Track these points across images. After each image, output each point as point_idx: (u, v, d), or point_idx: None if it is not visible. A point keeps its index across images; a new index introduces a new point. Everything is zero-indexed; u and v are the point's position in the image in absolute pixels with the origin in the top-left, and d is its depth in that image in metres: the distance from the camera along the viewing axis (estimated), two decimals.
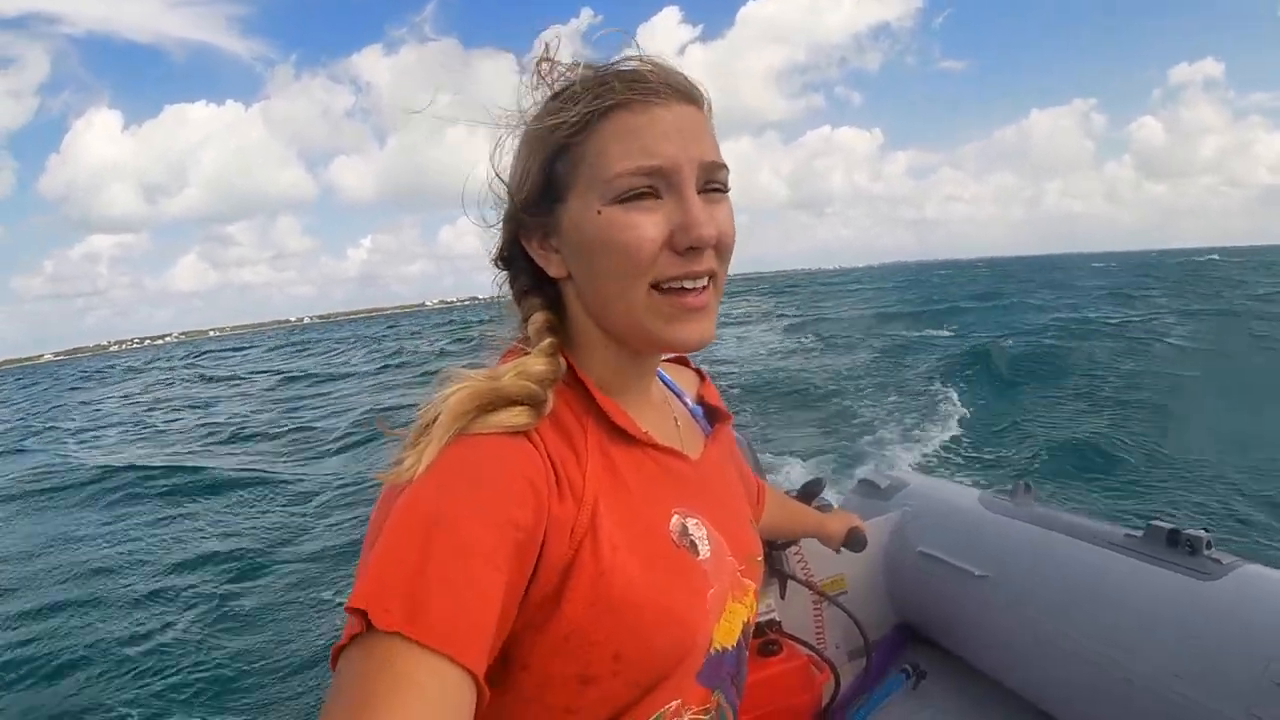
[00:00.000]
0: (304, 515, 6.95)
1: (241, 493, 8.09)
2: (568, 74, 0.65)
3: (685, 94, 0.62)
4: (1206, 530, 1.45)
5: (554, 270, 0.67)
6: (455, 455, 0.55)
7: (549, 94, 0.65)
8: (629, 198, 0.60)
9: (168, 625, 4.71)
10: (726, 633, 0.69)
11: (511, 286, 0.72)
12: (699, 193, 0.61)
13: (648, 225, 0.60)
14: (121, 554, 6.27)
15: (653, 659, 0.60)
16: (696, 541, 0.67)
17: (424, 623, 0.46)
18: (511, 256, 0.71)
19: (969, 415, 7.98)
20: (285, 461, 9.57)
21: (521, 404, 0.59)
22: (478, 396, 0.57)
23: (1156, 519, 1.53)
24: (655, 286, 0.61)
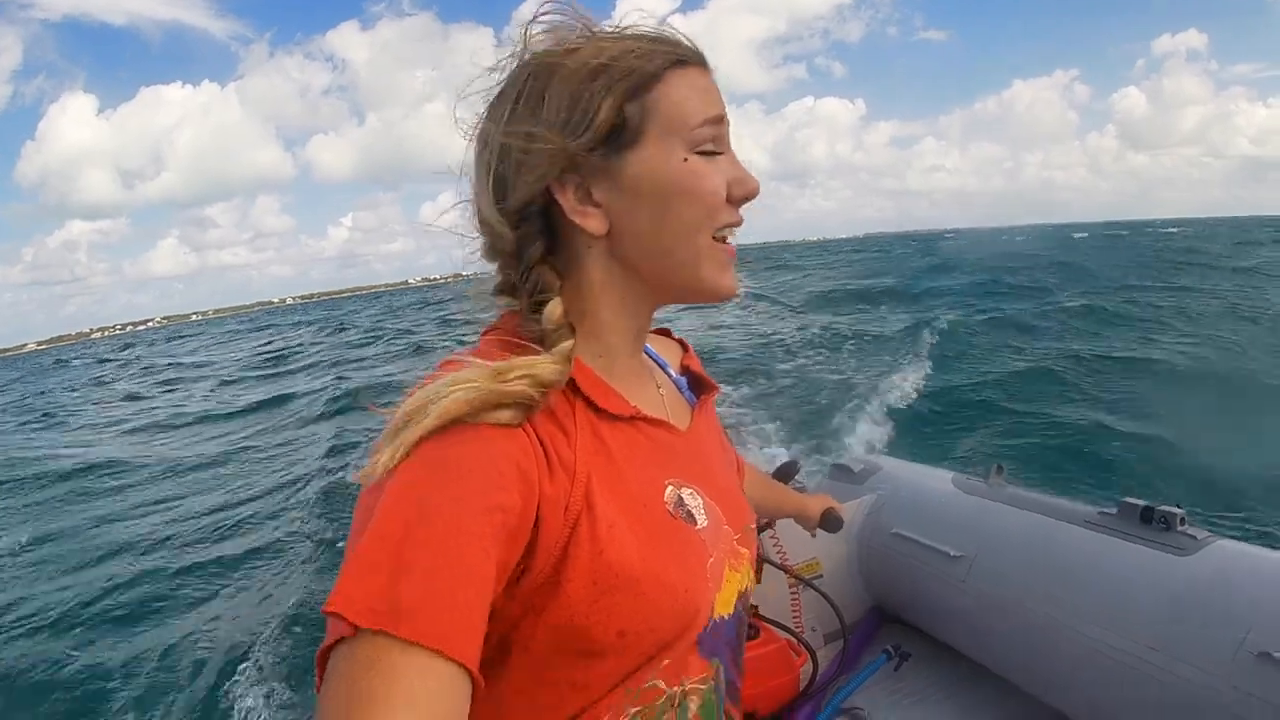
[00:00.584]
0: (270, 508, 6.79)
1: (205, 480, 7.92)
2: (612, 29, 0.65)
3: (708, 66, 0.66)
4: (1179, 506, 1.46)
5: (594, 225, 0.62)
6: (436, 445, 0.52)
7: (596, 39, 0.62)
8: (705, 150, 0.62)
9: (109, 633, 4.57)
10: (724, 602, 0.68)
11: (518, 254, 0.64)
12: None
13: (718, 176, 0.63)
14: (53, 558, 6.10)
15: (657, 631, 0.59)
16: (693, 511, 0.66)
17: (411, 619, 0.44)
18: (526, 217, 0.63)
19: (926, 397, 8.02)
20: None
21: (515, 406, 0.55)
22: (473, 404, 0.53)
23: (1129, 497, 1.53)
24: (713, 236, 0.64)
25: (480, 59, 0.65)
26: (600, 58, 0.60)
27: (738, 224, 0.66)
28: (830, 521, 1.40)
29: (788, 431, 6.93)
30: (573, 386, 0.62)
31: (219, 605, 4.81)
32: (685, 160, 0.61)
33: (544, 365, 0.58)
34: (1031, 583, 1.55)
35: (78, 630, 4.68)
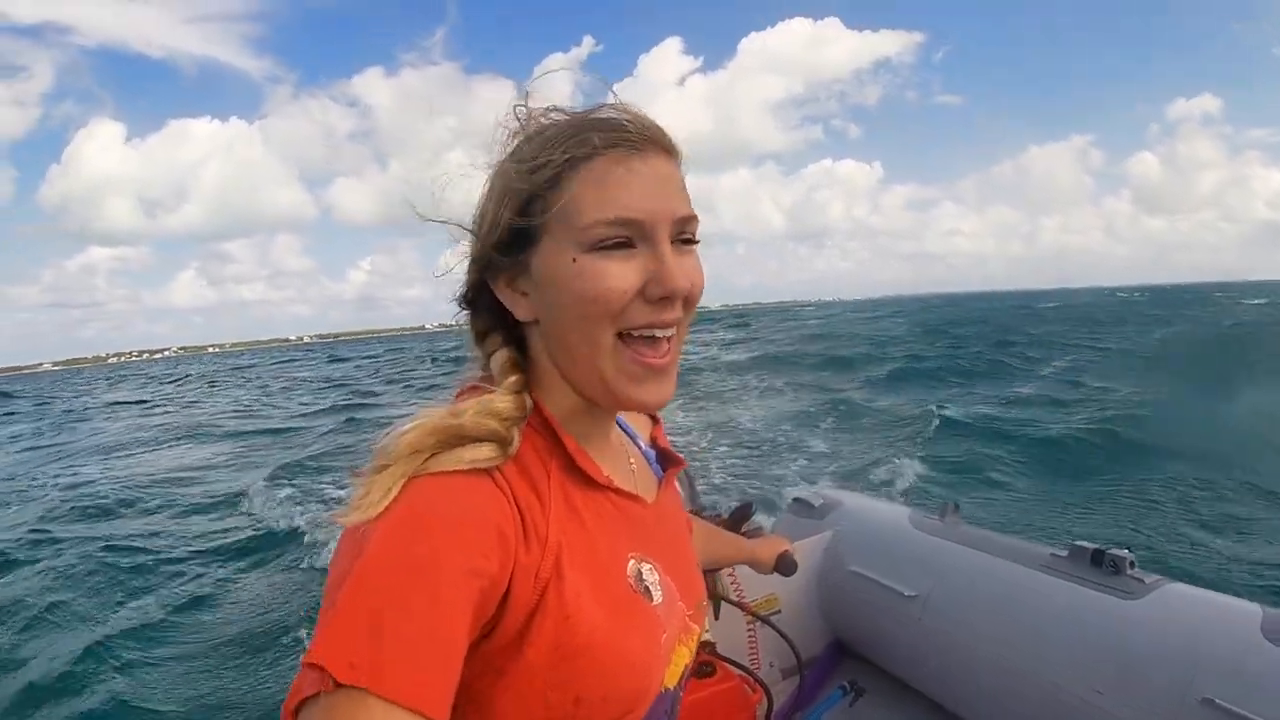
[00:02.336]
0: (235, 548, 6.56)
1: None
2: (543, 119, 0.65)
3: (661, 146, 0.62)
4: (1129, 550, 1.49)
5: (521, 313, 0.65)
6: (419, 496, 0.53)
7: (523, 137, 0.65)
8: (604, 246, 0.59)
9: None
10: (671, 675, 0.69)
11: (472, 326, 0.70)
12: (671, 244, 0.61)
13: (622, 274, 0.59)
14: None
15: (610, 703, 0.60)
16: (650, 587, 0.66)
17: (391, 677, 0.45)
18: (476, 296, 0.69)
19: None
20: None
21: (486, 442, 0.58)
22: (435, 433, 0.55)
23: (1080, 540, 1.56)
24: (621, 335, 0.61)
25: (499, 113, 0.66)
26: (521, 159, 0.62)
27: (662, 323, 0.61)
28: (785, 566, 1.40)
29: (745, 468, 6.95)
30: (548, 448, 0.64)
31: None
32: (574, 261, 0.60)
33: (495, 397, 0.62)
34: (983, 622, 1.57)
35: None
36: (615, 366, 0.62)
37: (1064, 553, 1.57)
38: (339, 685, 0.44)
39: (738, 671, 1.55)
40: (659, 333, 0.62)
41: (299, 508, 7.68)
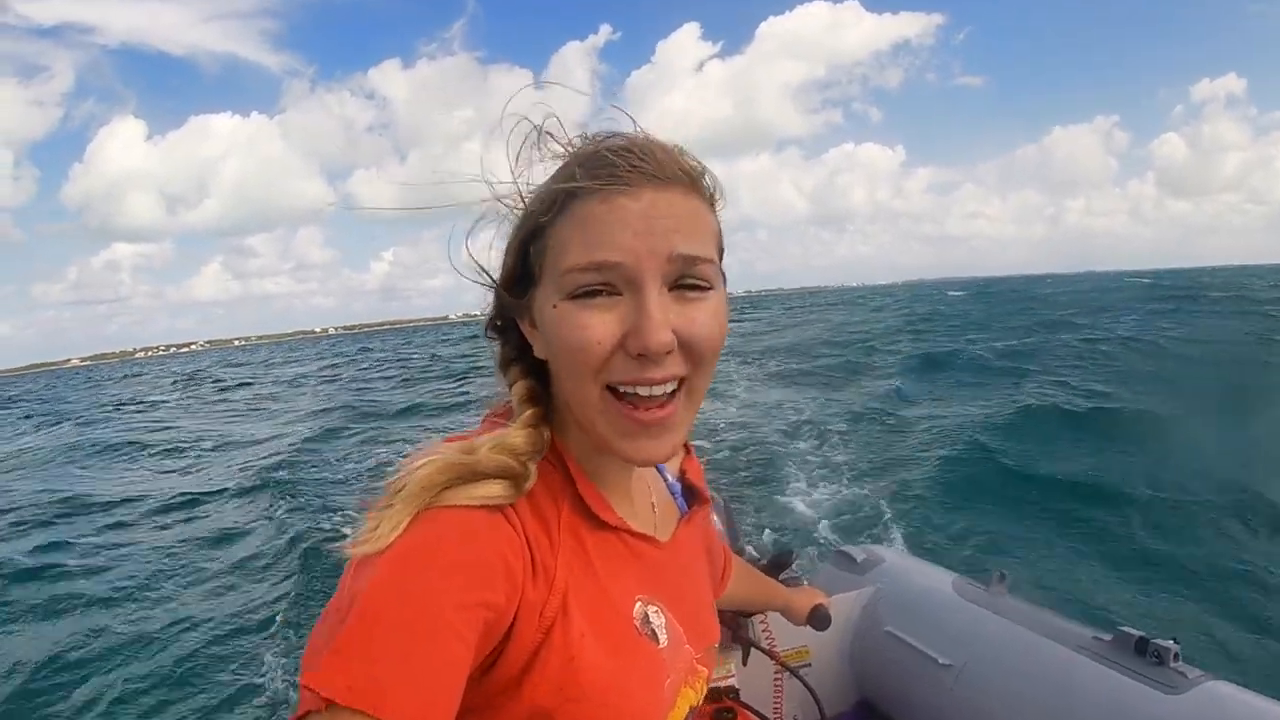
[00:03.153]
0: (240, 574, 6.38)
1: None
2: (558, 146, 0.63)
3: (664, 179, 0.57)
4: (1175, 641, 1.44)
5: (538, 350, 0.64)
6: (428, 529, 0.53)
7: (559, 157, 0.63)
8: (581, 294, 0.56)
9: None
10: (674, 718, 0.68)
11: (500, 352, 0.70)
12: (671, 288, 0.57)
13: (597, 326, 0.55)
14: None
15: None
16: (656, 630, 0.66)
17: (391, 701, 0.45)
18: (505, 325, 0.69)
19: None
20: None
21: (499, 478, 0.57)
22: (448, 470, 0.55)
23: (1125, 625, 1.51)
24: (611, 389, 0.58)
25: (518, 99, 0.64)
26: (533, 198, 0.62)
27: (646, 381, 0.57)
28: (818, 619, 1.39)
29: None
30: (560, 485, 0.64)
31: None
32: (554, 308, 0.57)
33: (511, 433, 0.61)
34: (1017, 701, 1.53)
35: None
36: (604, 420, 0.59)
37: (1108, 637, 1.52)
38: (339, 707, 0.44)
39: None
40: (642, 390, 0.57)
41: None
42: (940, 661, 1.72)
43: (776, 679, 1.83)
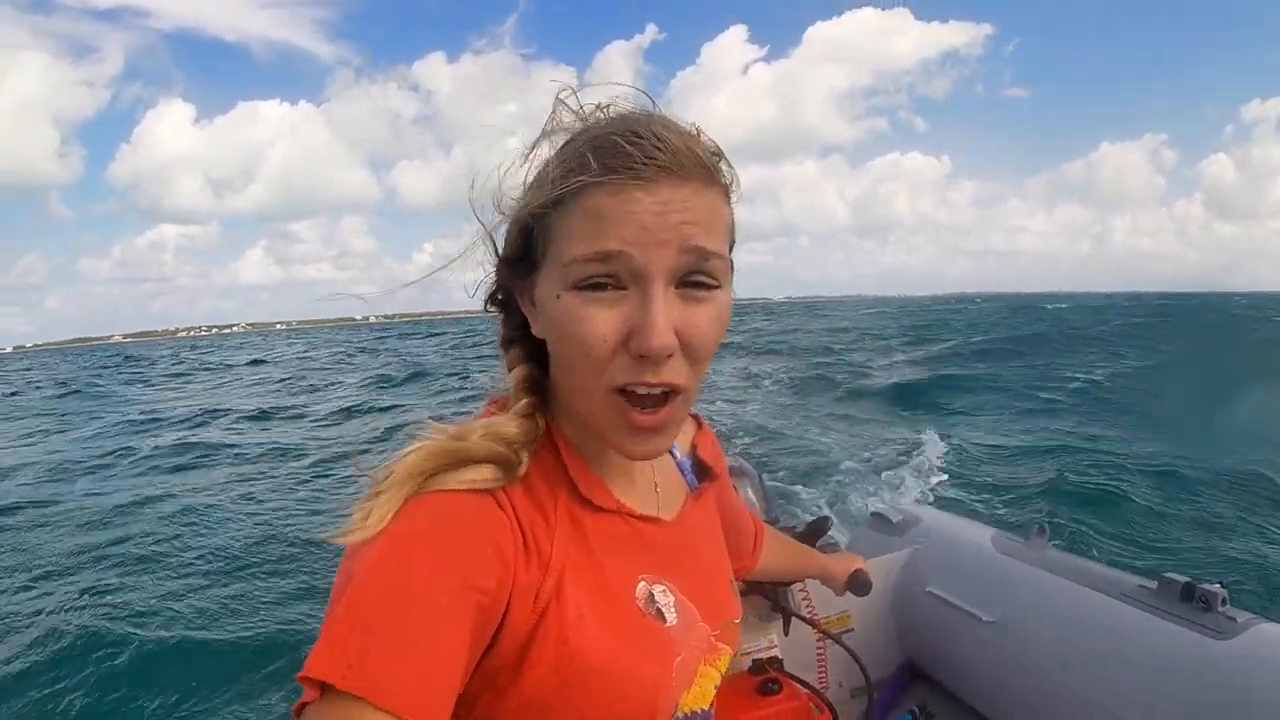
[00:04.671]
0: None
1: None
2: (576, 123, 0.60)
3: (681, 172, 0.54)
4: (1222, 585, 1.41)
5: (537, 330, 0.63)
6: (418, 513, 0.53)
7: (552, 150, 0.61)
8: (586, 286, 0.55)
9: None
10: (698, 697, 0.68)
11: (501, 329, 0.70)
12: (678, 286, 0.56)
13: (601, 321, 0.54)
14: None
15: None
16: (663, 609, 0.66)
17: (385, 685, 0.45)
18: (507, 301, 0.68)
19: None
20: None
21: (489, 463, 0.57)
22: (438, 457, 0.55)
23: (1170, 572, 1.49)
24: (616, 390, 0.57)
25: (548, 107, 0.62)
26: (527, 186, 0.60)
27: (645, 384, 0.56)
28: (857, 585, 1.38)
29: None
30: (556, 468, 0.64)
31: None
32: (558, 297, 0.56)
33: (503, 421, 0.61)
34: (1062, 654, 1.52)
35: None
36: (604, 415, 0.59)
37: (1153, 584, 1.50)
38: (334, 693, 0.45)
39: (804, 690, 1.55)
40: (640, 390, 0.56)
41: None
42: (983, 618, 1.71)
43: (820, 647, 1.84)
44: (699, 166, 0.56)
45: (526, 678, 0.56)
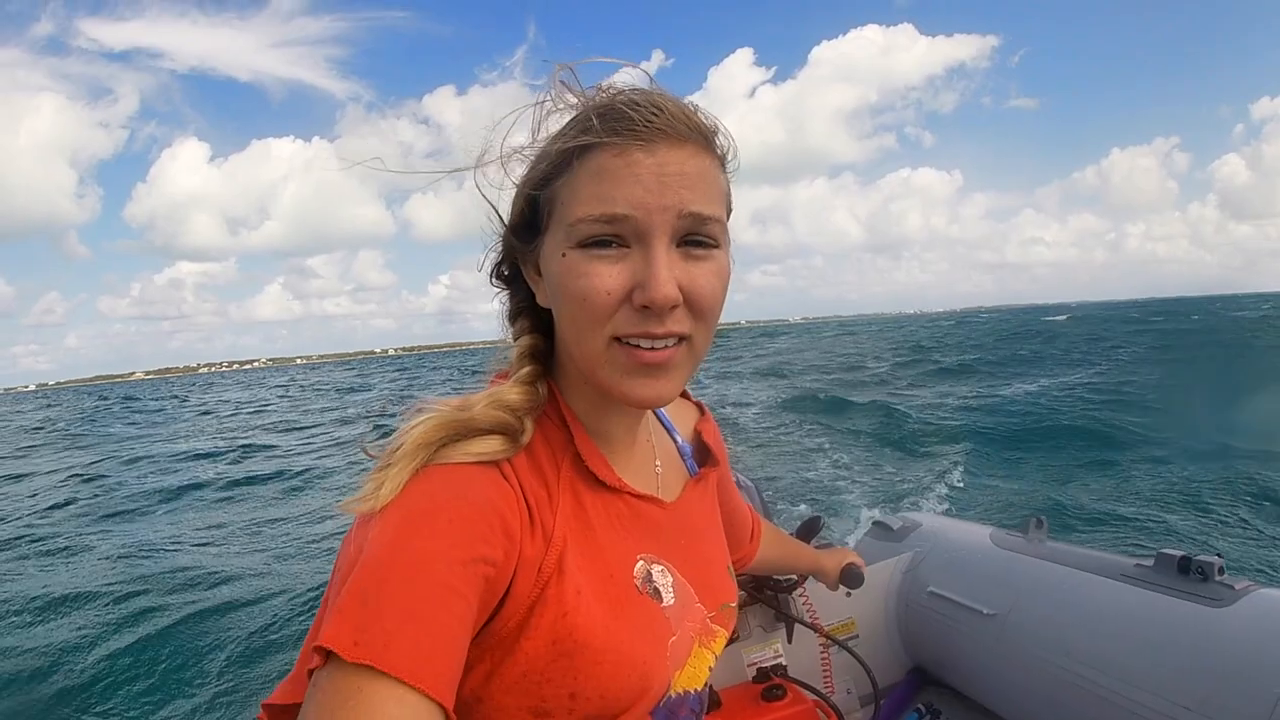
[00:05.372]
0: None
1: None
2: (576, 98, 0.62)
3: (678, 136, 0.57)
4: (1219, 555, 1.41)
5: (542, 299, 0.65)
6: (426, 487, 0.54)
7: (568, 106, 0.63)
8: (591, 244, 0.57)
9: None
10: (691, 677, 0.69)
11: (508, 303, 0.71)
12: (678, 245, 0.58)
13: (606, 276, 0.56)
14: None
15: (607, 700, 0.59)
16: (660, 589, 0.66)
17: (394, 655, 0.46)
18: (512, 275, 0.70)
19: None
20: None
21: (495, 434, 0.59)
22: (444, 428, 0.57)
23: (1166, 548, 1.49)
24: (616, 339, 0.58)
25: (546, 85, 0.63)
26: (541, 145, 0.62)
27: (650, 335, 0.57)
28: (850, 577, 1.38)
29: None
30: (562, 442, 0.65)
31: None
32: (563, 256, 0.58)
33: (507, 389, 0.62)
34: (1065, 639, 1.50)
35: None
36: (608, 364, 0.59)
37: (1149, 562, 1.49)
38: (344, 662, 0.45)
39: (811, 696, 1.53)
40: (644, 343, 0.58)
41: None
42: (985, 612, 1.70)
43: (824, 655, 1.82)
44: (695, 132, 0.58)
45: (523, 649, 0.57)
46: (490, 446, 0.58)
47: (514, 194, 0.64)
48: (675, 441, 0.83)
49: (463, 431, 0.57)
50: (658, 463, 0.76)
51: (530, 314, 0.69)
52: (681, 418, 0.86)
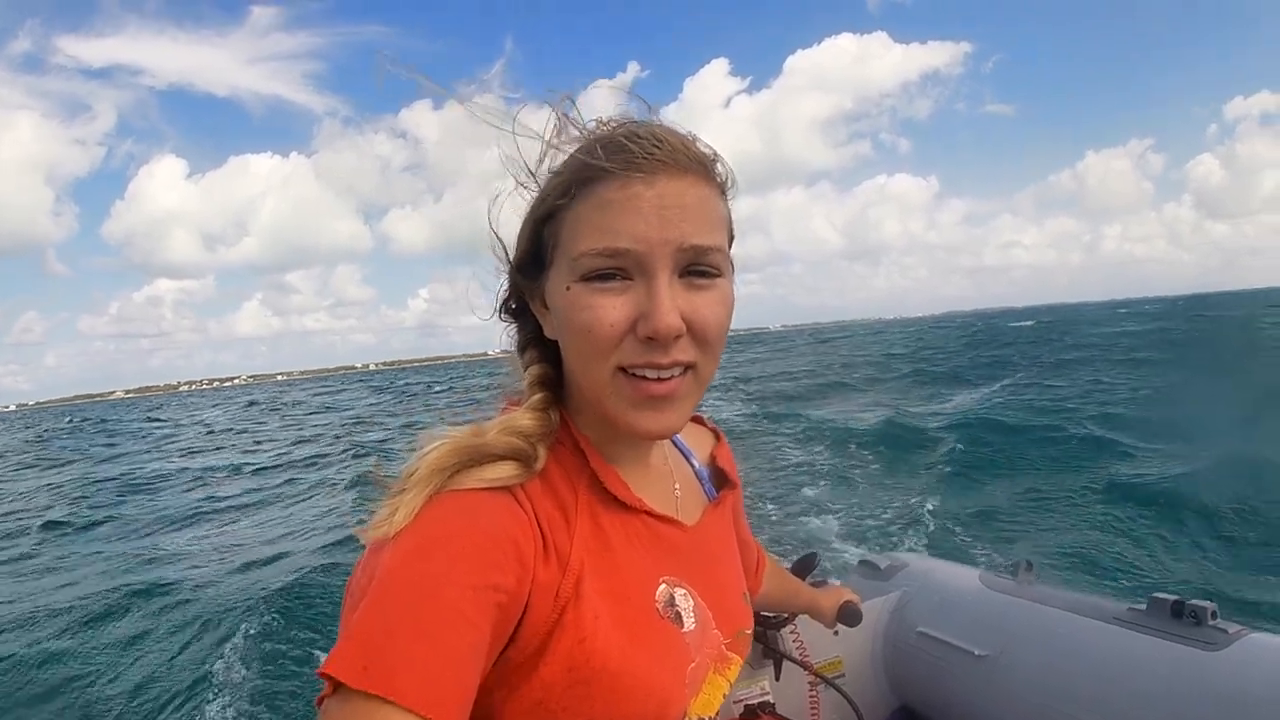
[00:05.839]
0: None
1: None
2: (578, 132, 0.63)
3: (678, 167, 0.58)
4: (1211, 600, 1.41)
5: (549, 331, 0.66)
6: (439, 513, 0.54)
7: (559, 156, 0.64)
8: (594, 277, 0.57)
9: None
10: (705, 704, 0.67)
11: (517, 336, 0.72)
12: (681, 276, 0.58)
13: (610, 308, 0.57)
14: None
15: None
16: (682, 613, 0.66)
17: (403, 683, 0.45)
18: (520, 308, 0.71)
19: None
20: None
21: (508, 459, 0.59)
22: (458, 453, 0.57)
23: (1159, 592, 1.49)
24: (622, 369, 0.59)
25: (545, 125, 0.64)
26: (548, 181, 0.63)
27: (655, 365, 0.58)
28: (848, 615, 1.37)
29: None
30: (577, 467, 0.65)
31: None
32: (568, 289, 0.58)
33: (519, 415, 0.62)
34: (1058, 682, 1.49)
35: None
36: (614, 395, 0.60)
37: (1142, 605, 1.49)
38: (353, 690, 0.45)
39: None
40: (649, 374, 0.58)
41: None
42: (976, 653, 1.68)
43: (812, 693, 1.79)
44: (695, 163, 0.59)
45: (540, 675, 0.56)
46: (504, 472, 0.58)
47: (521, 229, 0.65)
48: (692, 466, 0.82)
49: (476, 457, 0.57)
50: (677, 486, 0.76)
51: (538, 345, 0.69)
52: (698, 443, 0.86)
